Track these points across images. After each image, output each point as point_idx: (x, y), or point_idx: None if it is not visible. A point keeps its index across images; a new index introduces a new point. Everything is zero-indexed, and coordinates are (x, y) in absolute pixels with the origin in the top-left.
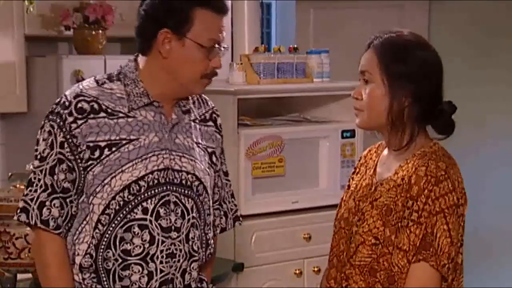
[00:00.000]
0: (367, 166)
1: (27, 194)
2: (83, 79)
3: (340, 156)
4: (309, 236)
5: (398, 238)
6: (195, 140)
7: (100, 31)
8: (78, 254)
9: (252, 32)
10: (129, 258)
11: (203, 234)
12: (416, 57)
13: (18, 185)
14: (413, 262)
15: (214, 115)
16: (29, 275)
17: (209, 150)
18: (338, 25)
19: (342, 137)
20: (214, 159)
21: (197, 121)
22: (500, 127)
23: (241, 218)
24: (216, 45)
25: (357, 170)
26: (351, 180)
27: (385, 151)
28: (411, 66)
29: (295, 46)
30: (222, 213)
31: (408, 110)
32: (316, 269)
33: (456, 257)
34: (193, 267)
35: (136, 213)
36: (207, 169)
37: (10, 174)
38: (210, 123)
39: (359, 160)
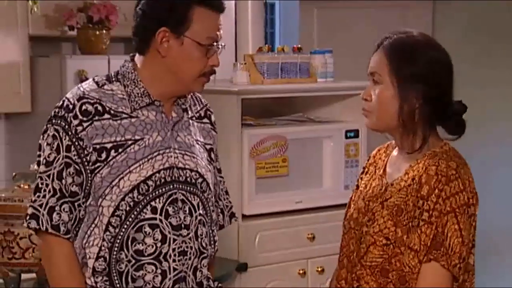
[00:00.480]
0: (376, 166)
1: (35, 200)
2: (87, 79)
3: (344, 156)
4: (313, 236)
5: (409, 238)
6: (194, 137)
7: (104, 31)
8: (89, 258)
9: (256, 32)
10: (142, 258)
11: (210, 231)
12: (426, 57)
13: (22, 185)
14: (424, 262)
15: (208, 112)
16: (33, 275)
17: (207, 147)
18: (342, 25)
19: (346, 137)
20: (212, 155)
21: (194, 118)
22: (504, 127)
23: (236, 215)
24: (214, 43)
25: (366, 170)
26: (359, 180)
27: (395, 152)
28: (421, 67)
29: (299, 46)
30: (219, 210)
31: (419, 112)
32: (320, 269)
33: (467, 257)
34: (203, 264)
35: (146, 213)
36: (207, 165)
37: (14, 174)
38: (206, 120)
39: (368, 160)
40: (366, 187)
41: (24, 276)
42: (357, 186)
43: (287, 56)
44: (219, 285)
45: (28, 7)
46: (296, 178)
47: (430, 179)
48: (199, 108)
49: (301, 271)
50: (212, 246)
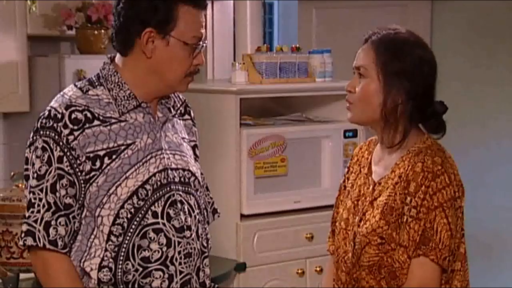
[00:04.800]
0: (360, 165)
1: (29, 216)
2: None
3: (343, 156)
4: (311, 236)
5: (399, 235)
6: (180, 135)
7: (103, 31)
8: (92, 269)
9: (254, 31)
10: (149, 265)
11: (204, 229)
12: (413, 56)
13: (20, 185)
14: (413, 257)
15: (188, 108)
16: (32, 275)
17: (192, 143)
18: (340, 24)
19: (345, 136)
20: (196, 152)
21: (176, 116)
22: (502, 127)
23: (218, 211)
24: (199, 42)
25: (351, 169)
26: (346, 180)
27: (378, 148)
28: (408, 65)
29: (297, 45)
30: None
31: (401, 107)
32: (318, 268)
33: (459, 247)
34: (205, 264)
35: (148, 218)
36: (195, 163)
37: (12, 173)
38: (187, 116)
39: (351, 159)
40: (353, 187)
41: (22, 275)
42: (344, 187)
43: (286, 56)
44: (216, 286)
45: (26, 6)
46: (294, 178)
47: (416, 176)
48: (179, 105)
49: (299, 271)
50: (209, 244)
